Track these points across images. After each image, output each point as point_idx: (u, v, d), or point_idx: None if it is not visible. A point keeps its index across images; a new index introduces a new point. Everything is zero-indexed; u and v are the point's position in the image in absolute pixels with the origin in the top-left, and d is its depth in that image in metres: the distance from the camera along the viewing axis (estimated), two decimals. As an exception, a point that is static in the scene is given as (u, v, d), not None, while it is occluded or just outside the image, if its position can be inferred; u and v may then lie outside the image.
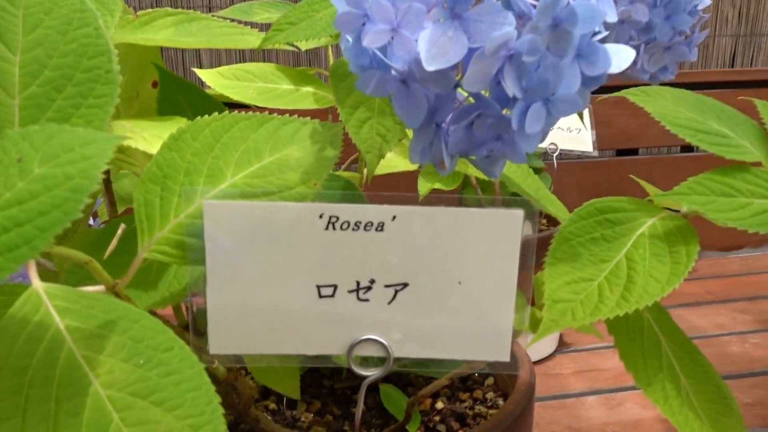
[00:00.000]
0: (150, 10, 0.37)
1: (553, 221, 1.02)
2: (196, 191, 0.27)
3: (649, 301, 0.26)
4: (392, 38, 0.25)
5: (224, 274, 0.27)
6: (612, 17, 0.28)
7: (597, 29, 0.27)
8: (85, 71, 0.23)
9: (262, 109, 0.41)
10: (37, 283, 0.20)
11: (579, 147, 0.95)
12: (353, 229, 0.27)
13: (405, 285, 0.28)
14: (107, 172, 0.35)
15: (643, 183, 0.36)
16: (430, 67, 0.24)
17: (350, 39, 0.27)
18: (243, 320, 0.28)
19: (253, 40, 0.38)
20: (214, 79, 0.44)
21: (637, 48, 0.47)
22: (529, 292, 0.29)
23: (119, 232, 0.26)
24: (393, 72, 0.26)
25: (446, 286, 0.28)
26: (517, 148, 0.27)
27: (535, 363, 0.92)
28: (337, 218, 0.27)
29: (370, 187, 0.36)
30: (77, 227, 0.35)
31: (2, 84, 0.22)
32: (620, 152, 1.33)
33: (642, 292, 0.27)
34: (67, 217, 0.16)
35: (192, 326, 0.29)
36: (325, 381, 0.51)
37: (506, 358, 0.28)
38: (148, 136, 0.31)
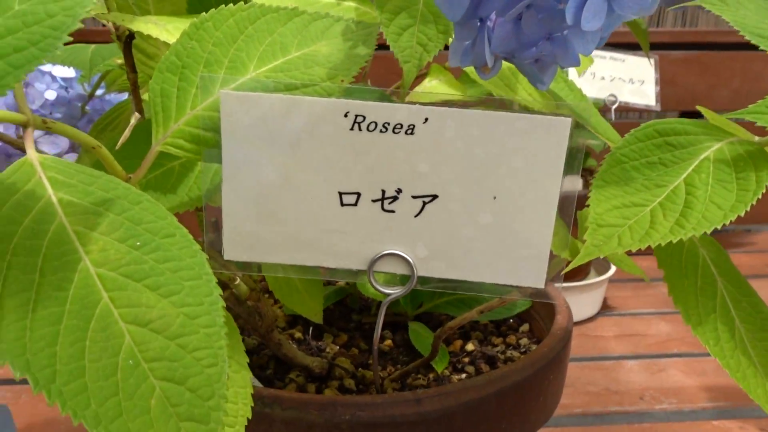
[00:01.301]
0: None
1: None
2: (216, 81, 0.25)
3: (708, 228, 0.23)
4: None
5: (241, 173, 0.25)
6: None
7: None
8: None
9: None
10: (32, 153, 0.19)
11: (641, 100, 0.89)
12: (381, 131, 0.25)
13: (434, 197, 0.25)
14: (134, 81, 0.34)
15: (708, 112, 0.32)
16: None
17: None
18: (259, 225, 0.26)
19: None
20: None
21: None
22: (571, 213, 0.26)
23: (132, 121, 0.24)
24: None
25: (480, 201, 0.25)
26: (571, 49, 0.24)
27: (576, 324, 0.89)
28: (364, 118, 0.24)
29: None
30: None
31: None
32: (684, 114, 1.26)
33: (700, 219, 0.23)
34: (42, 54, 0.14)
35: (206, 230, 0.27)
36: (353, 315, 0.49)
37: (541, 284, 0.26)
38: (172, 29, 0.29)
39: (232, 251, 0.26)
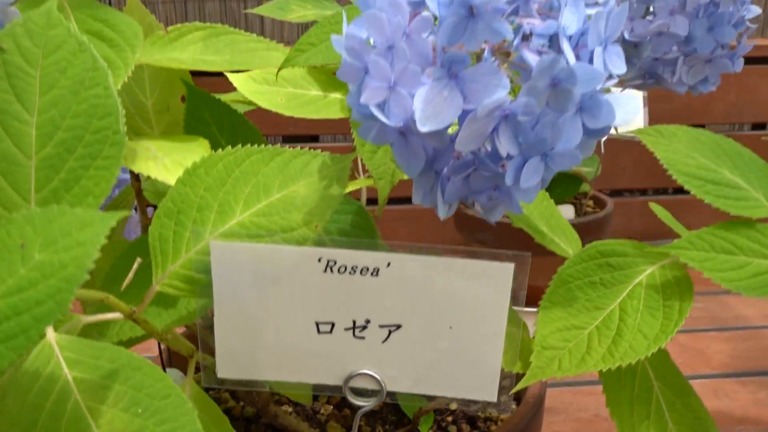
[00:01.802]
0: (180, 24, 0.38)
1: (600, 203, 1.00)
2: (206, 229, 0.29)
3: (633, 359, 0.27)
4: (389, 95, 0.26)
5: (230, 308, 0.29)
6: (620, 69, 0.27)
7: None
8: (94, 132, 0.24)
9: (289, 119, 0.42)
10: (50, 334, 0.22)
11: (629, 128, 0.92)
12: (350, 273, 0.28)
13: (398, 326, 0.29)
14: (145, 224, 0.38)
15: (667, 218, 0.35)
16: (423, 128, 0.25)
17: (353, 87, 0.27)
18: (247, 349, 0.30)
19: (277, 56, 0.39)
20: (244, 85, 0.45)
21: (676, 60, 0.45)
22: (518, 337, 0.29)
23: (135, 266, 0.28)
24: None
25: (438, 330, 0.29)
26: (514, 200, 0.28)
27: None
28: (335, 262, 0.28)
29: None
30: (112, 237, 0.37)
31: (20, 145, 0.24)
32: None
33: (627, 348, 0.27)
34: (59, 308, 0.18)
35: (201, 346, 0.31)
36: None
37: (494, 398, 0.29)
38: (170, 163, 0.33)
39: (224, 370, 0.30)
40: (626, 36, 0.43)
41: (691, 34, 0.43)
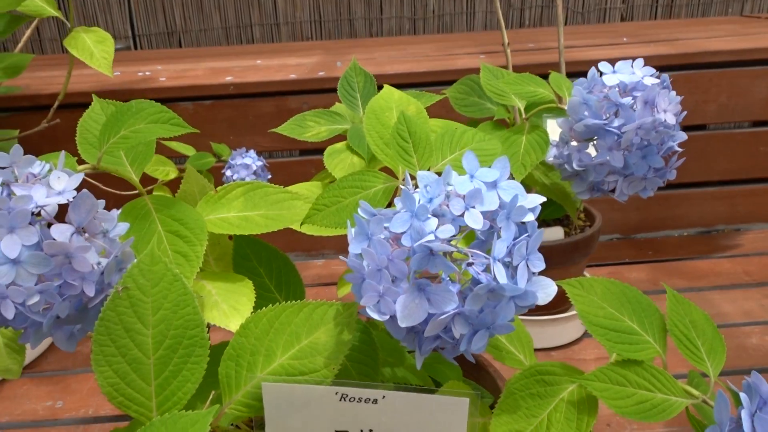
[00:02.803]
0: (226, 185, 0.50)
1: (591, 219, 1.11)
2: (257, 370, 0.42)
3: (552, 461, 0.40)
4: (380, 300, 0.38)
5: (278, 423, 0.43)
6: (540, 267, 0.39)
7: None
8: (189, 338, 0.37)
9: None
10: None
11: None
12: (357, 402, 0.41)
13: (392, 433, 0.42)
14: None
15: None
16: (402, 324, 0.37)
17: (355, 287, 0.40)
18: (290, 447, 0.44)
19: (299, 204, 0.51)
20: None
21: (616, 182, 0.56)
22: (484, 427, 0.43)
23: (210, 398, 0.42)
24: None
25: (419, 437, 0.42)
26: (467, 353, 0.40)
27: (561, 348, 1.06)
28: (347, 395, 0.41)
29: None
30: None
31: (143, 350, 0.37)
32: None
33: (549, 453, 0.40)
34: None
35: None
36: None
37: (459, 480, 0.43)
38: (227, 309, 0.46)
39: (274, 460, 0.44)
40: (574, 166, 0.53)
41: (628, 162, 0.54)
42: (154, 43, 2.04)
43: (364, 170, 0.50)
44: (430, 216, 0.38)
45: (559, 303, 1.11)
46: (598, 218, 1.08)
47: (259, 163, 1.14)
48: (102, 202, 0.38)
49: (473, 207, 0.38)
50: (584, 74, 0.57)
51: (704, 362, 0.41)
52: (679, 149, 0.56)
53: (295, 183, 0.58)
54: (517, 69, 1.07)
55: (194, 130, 0.46)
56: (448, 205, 0.38)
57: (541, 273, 0.39)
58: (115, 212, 0.39)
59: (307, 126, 0.62)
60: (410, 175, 0.42)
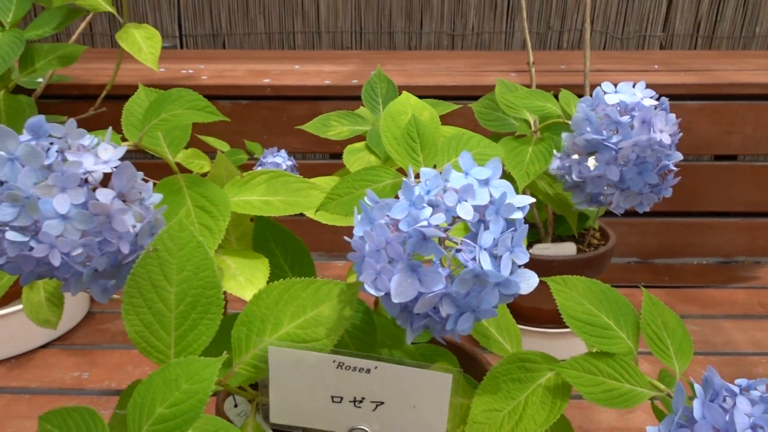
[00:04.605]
0: (251, 171, 0.56)
1: (606, 238, 1.13)
2: (265, 335, 0.47)
3: (527, 435, 0.43)
4: (377, 278, 0.42)
5: (280, 383, 0.47)
6: (523, 260, 0.43)
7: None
8: (206, 297, 0.42)
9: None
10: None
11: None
12: (352, 370, 0.46)
13: (382, 402, 0.47)
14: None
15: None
16: (395, 300, 0.42)
17: (356, 266, 0.44)
18: (291, 408, 0.48)
19: (316, 194, 0.56)
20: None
21: (613, 194, 0.60)
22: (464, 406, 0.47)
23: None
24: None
25: (406, 406, 0.46)
26: (455, 334, 0.44)
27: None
28: (343, 363, 0.46)
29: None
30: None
31: (166, 304, 0.42)
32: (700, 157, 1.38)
33: (522, 429, 0.44)
34: (197, 414, 0.35)
35: (261, 395, 0.50)
36: None
37: (440, 450, 0.47)
38: (243, 281, 0.51)
39: (275, 417, 0.49)
40: (574, 177, 0.57)
41: (624, 177, 0.57)
42: (200, 44, 2.13)
43: (376, 166, 0.54)
44: (425, 205, 0.42)
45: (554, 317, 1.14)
46: (613, 238, 1.10)
47: (289, 163, 1.20)
48: (141, 174, 0.44)
49: (465, 200, 0.43)
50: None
51: (672, 360, 0.45)
52: (675, 168, 0.59)
53: (321, 182, 0.63)
54: (542, 88, 1.11)
55: (226, 119, 0.51)
56: (443, 197, 0.43)
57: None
58: (151, 183, 0.45)
59: (330, 125, 0.67)
60: (414, 171, 0.46)
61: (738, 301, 1.26)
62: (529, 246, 0.97)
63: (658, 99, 0.57)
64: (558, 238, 1.07)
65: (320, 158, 1.41)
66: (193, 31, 2.18)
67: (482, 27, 2.24)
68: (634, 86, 0.59)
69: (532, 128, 0.68)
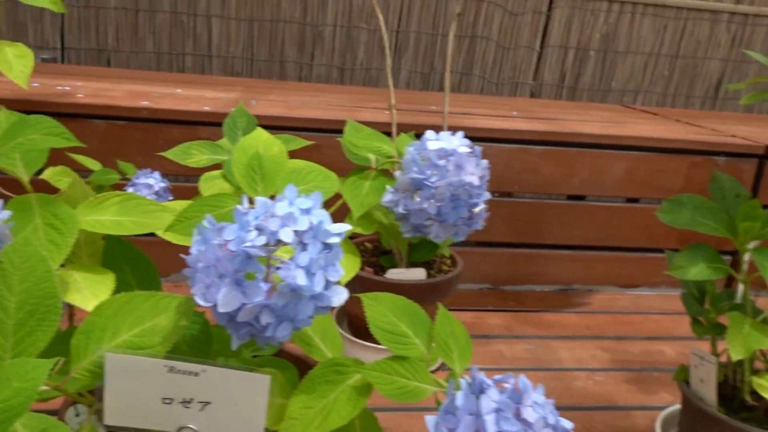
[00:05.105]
0: (105, 193, 0.61)
1: (455, 264, 1.25)
2: (103, 343, 0.52)
3: (331, 428, 0.51)
4: (205, 292, 0.49)
5: (115, 387, 0.52)
6: (336, 277, 0.51)
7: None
8: (45, 306, 0.46)
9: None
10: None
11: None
12: (182, 374, 0.52)
13: (209, 402, 0.53)
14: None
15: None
16: (221, 310, 0.48)
17: (191, 280, 0.51)
18: (125, 408, 0.53)
19: (166, 216, 0.61)
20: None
21: (432, 225, 0.70)
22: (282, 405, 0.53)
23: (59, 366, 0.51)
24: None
25: (230, 405, 0.53)
26: (275, 343, 0.52)
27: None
28: (174, 367, 0.52)
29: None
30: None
31: (6, 312, 0.46)
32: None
33: (319, 423, 0.51)
34: (19, 414, 0.40)
35: (97, 399, 0.54)
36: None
37: (260, 445, 0.53)
38: (88, 294, 0.55)
39: (110, 419, 0.53)
40: (400, 209, 0.67)
41: (441, 211, 0.68)
42: (83, 58, 2.09)
43: (223, 193, 0.61)
44: (252, 229, 0.50)
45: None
46: (460, 265, 1.22)
47: (162, 185, 1.23)
48: (-10, 192, 0.48)
49: (287, 226, 0.50)
50: (468, 138, 0.70)
51: (454, 362, 0.54)
52: (484, 205, 0.71)
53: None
54: (405, 128, 1.22)
55: (81, 144, 0.56)
56: (269, 223, 0.50)
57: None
58: (1, 201, 0.49)
59: (191, 153, 0.73)
60: (249, 199, 0.53)
61: (569, 324, 1.43)
62: (385, 271, 1.06)
63: (470, 147, 0.68)
64: (412, 264, 1.18)
65: (194, 181, 1.45)
66: (76, 44, 2.14)
67: (371, 63, 2.37)
68: (454, 134, 0.70)
69: (373, 165, 0.77)
